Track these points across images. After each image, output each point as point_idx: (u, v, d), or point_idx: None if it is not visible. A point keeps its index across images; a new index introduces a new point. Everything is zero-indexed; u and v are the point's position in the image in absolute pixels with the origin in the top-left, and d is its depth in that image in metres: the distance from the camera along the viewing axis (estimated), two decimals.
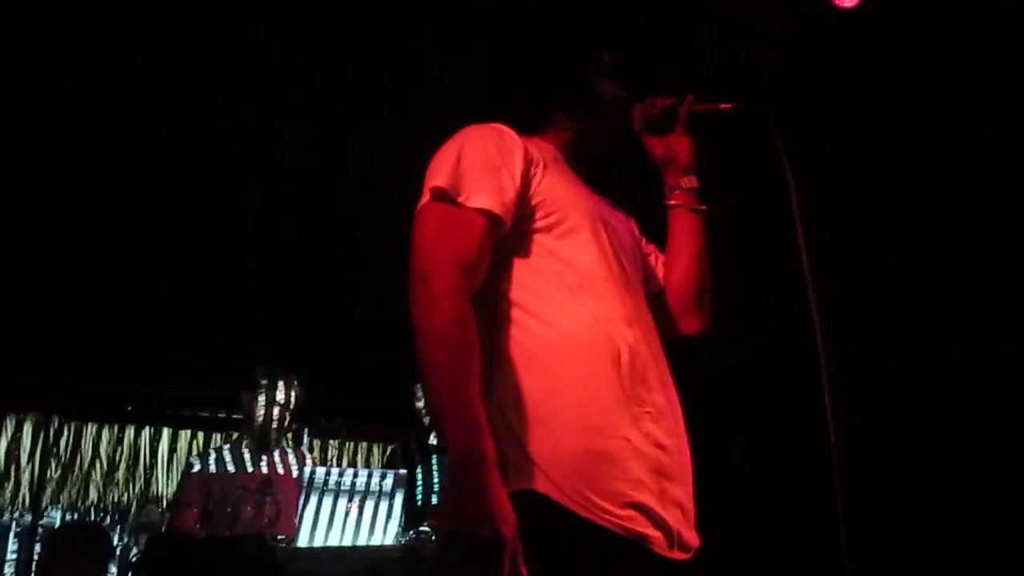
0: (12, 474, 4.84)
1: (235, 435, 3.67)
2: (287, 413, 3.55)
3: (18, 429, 4.93)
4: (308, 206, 4.58)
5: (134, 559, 3.84)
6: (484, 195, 1.33)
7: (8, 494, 4.78)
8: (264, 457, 3.49)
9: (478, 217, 1.32)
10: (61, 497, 4.75)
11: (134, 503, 5.04)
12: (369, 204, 4.59)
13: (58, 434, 4.87)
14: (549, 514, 1.19)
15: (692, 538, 1.33)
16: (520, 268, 1.37)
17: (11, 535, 4.85)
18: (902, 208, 3.52)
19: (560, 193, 1.44)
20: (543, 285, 1.35)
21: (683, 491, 1.33)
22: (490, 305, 1.34)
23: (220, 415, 4.43)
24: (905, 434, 3.59)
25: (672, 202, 1.64)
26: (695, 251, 1.62)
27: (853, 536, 1.31)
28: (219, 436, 5.24)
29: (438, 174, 1.36)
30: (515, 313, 1.33)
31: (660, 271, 1.66)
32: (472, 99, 1.56)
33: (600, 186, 1.64)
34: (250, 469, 3.43)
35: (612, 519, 1.21)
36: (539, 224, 1.39)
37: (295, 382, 3.59)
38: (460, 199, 1.33)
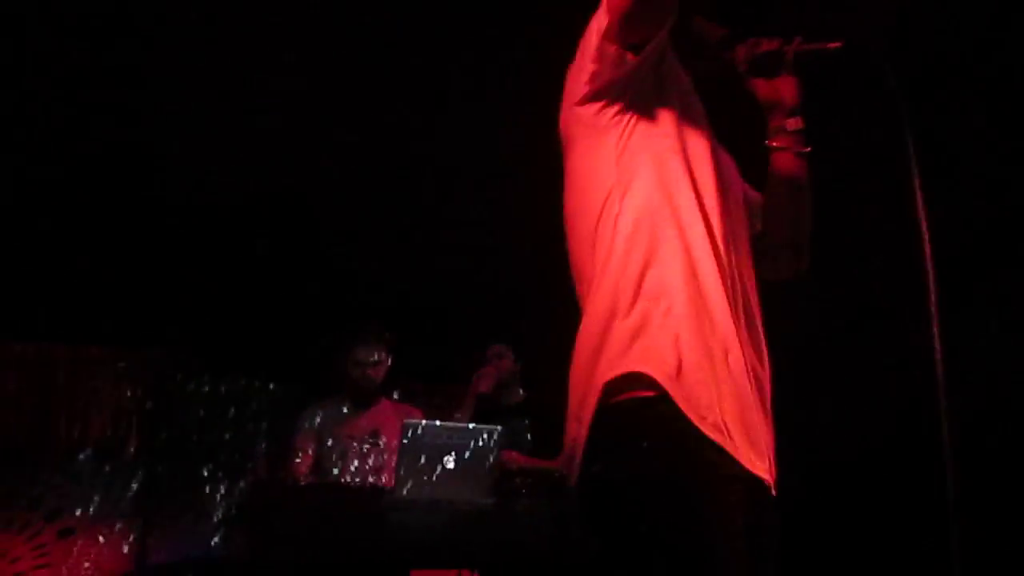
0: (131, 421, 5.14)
1: (338, 393, 3.80)
2: (383, 369, 3.64)
3: (137, 377, 5.22)
4: (405, 168, 4.69)
5: (238, 505, 4.03)
6: None
7: (120, 439, 5.08)
8: (367, 410, 3.60)
9: None
10: (169, 446, 4.99)
11: (240, 453, 5.27)
12: (464, 166, 4.68)
13: (165, 384, 5.13)
14: (655, 414, 1.27)
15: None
16: (641, 160, 1.42)
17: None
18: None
19: (687, 87, 1.51)
20: (662, 183, 1.40)
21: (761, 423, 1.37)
22: (610, 191, 1.41)
23: (322, 370, 4.58)
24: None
25: (776, 144, 1.60)
26: (798, 194, 1.60)
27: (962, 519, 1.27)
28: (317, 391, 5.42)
29: None
30: (632, 208, 1.39)
31: (759, 212, 1.64)
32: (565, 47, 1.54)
33: None
34: (355, 421, 3.55)
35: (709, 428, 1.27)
36: (665, 101, 1.46)
37: (389, 339, 3.66)
38: None
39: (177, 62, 3.98)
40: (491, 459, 2.86)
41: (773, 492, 1.36)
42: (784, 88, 1.58)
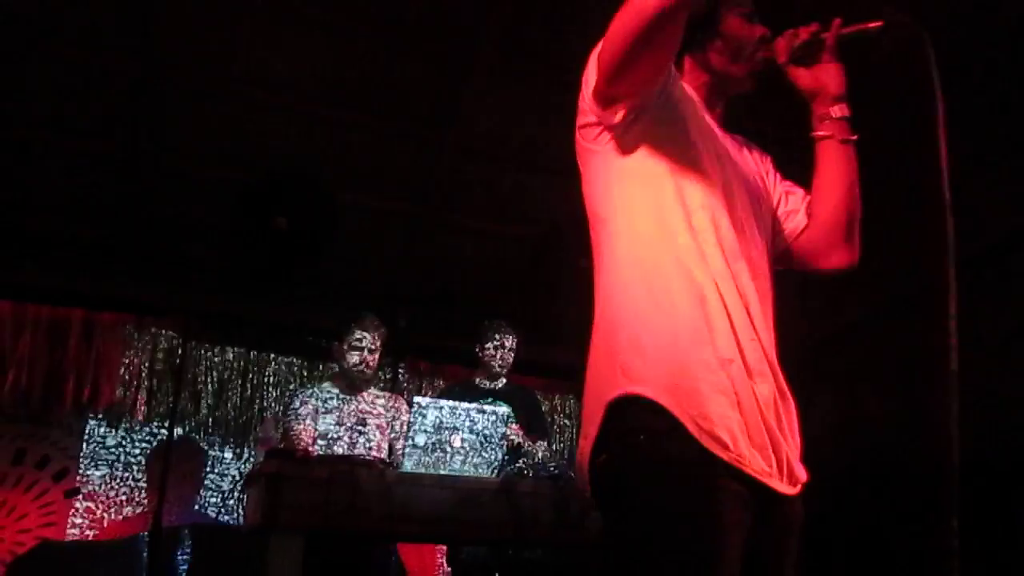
0: (140, 386, 5.21)
1: (330, 373, 3.84)
2: (376, 357, 3.69)
3: (150, 344, 5.29)
4: (419, 148, 4.73)
5: (251, 471, 4.09)
6: None
7: (130, 403, 5.16)
8: (356, 397, 3.66)
9: None
10: (178, 412, 5.06)
11: (247, 421, 5.35)
12: (480, 150, 4.72)
13: (176, 352, 5.20)
14: (655, 418, 1.31)
15: (797, 473, 1.40)
16: (637, 186, 1.44)
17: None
18: None
19: (690, 112, 1.50)
20: (657, 207, 1.43)
21: (779, 427, 1.39)
22: (610, 219, 1.46)
23: (326, 343, 4.65)
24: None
25: (822, 133, 1.56)
26: (846, 182, 1.55)
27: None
28: (321, 365, 5.49)
29: None
30: (630, 234, 1.44)
31: (802, 207, 1.62)
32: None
33: (734, 125, 1.62)
34: (344, 408, 3.61)
35: (706, 434, 1.30)
36: (662, 131, 1.45)
37: (382, 328, 3.70)
38: None
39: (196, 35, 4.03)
40: (497, 440, 2.93)
41: (792, 500, 1.38)
42: (827, 75, 1.53)
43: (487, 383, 3.97)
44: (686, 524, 1.26)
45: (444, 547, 5.11)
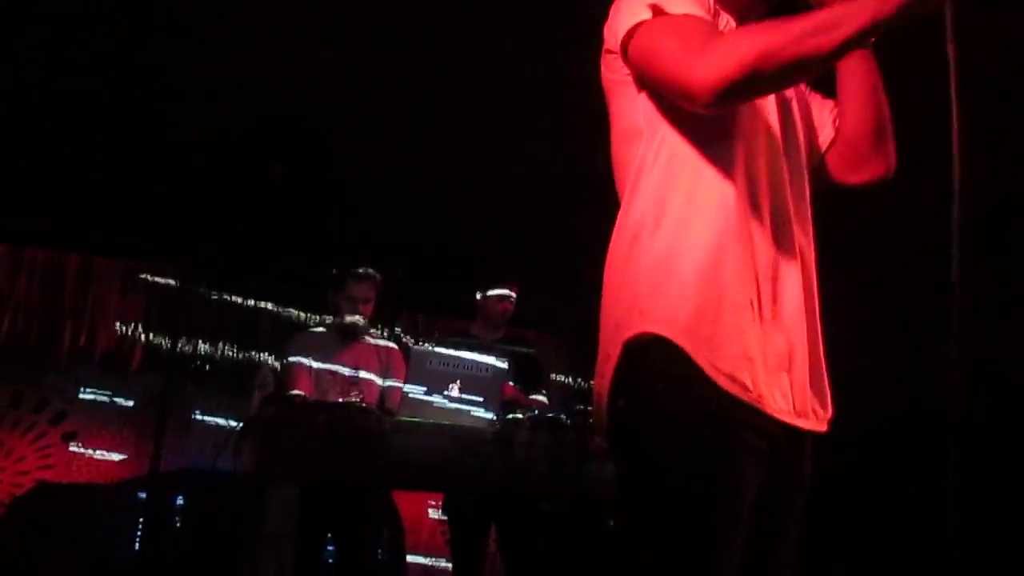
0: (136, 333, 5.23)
1: (326, 322, 3.86)
2: (370, 308, 3.69)
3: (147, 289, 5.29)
4: (417, 102, 4.68)
5: (247, 418, 4.14)
6: (692, 8, 1.35)
7: (127, 349, 5.18)
8: (350, 347, 3.67)
9: (698, 18, 1.34)
10: (174, 358, 5.08)
11: (244, 368, 5.37)
12: (478, 106, 4.67)
13: (173, 298, 5.21)
14: (674, 362, 1.28)
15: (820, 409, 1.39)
16: (674, 125, 1.38)
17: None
18: None
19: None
20: (694, 153, 1.37)
21: (806, 365, 1.38)
22: (642, 165, 1.40)
23: (322, 292, 4.66)
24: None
25: None
26: (868, 87, 1.50)
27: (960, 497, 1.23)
28: (316, 317, 5.50)
29: (638, 4, 1.36)
30: (664, 175, 1.38)
31: (829, 119, 1.57)
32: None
33: None
34: (338, 357, 3.63)
35: (723, 375, 1.28)
36: None
37: (378, 279, 3.70)
38: (669, 10, 1.33)
39: None
40: (495, 390, 2.95)
41: (814, 437, 1.38)
42: None
43: (486, 334, 3.95)
44: (700, 480, 1.26)
45: (432, 497, 5.20)
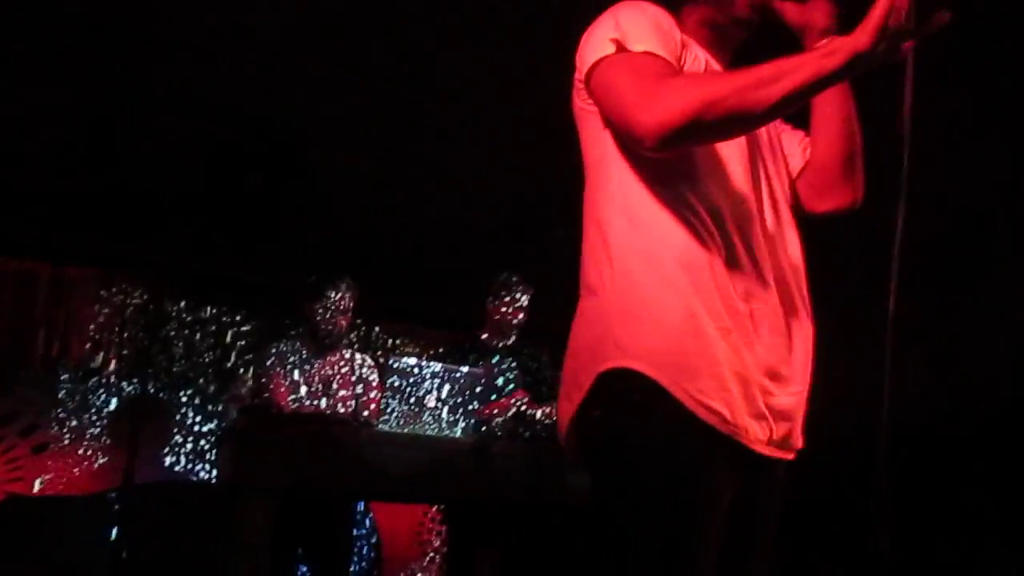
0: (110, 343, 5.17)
1: (301, 332, 3.84)
2: (347, 319, 3.67)
3: (120, 299, 5.24)
4: (393, 111, 4.69)
5: (223, 429, 4.11)
6: (654, 46, 1.34)
7: (100, 359, 5.12)
8: (324, 358, 3.66)
9: (657, 58, 1.33)
10: (149, 369, 5.04)
11: (218, 378, 5.33)
12: (453, 113, 4.69)
13: (147, 308, 5.17)
14: (646, 392, 1.29)
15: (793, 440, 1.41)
16: (639, 157, 1.37)
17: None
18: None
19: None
20: (658, 182, 1.37)
21: (787, 393, 1.39)
22: (610, 194, 1.41)
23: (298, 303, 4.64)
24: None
25: None
26: (842, 115, 1.50)
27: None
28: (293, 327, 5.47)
29: (603, 38, 1.36)
30: (631, 203, 1.38)
31: (799, 149, 1.58)
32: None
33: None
34: (312, 368, 3.61)
35: (702, 406, 1.29)
36: None
37: (353, 288, 3.67)
38: (630, 47, 1.34)
39: None
40: (474, 402, 2.95)
41: (785, 465, 1.41)
42: (815, 8, 1.48)
43: (496, 341, 3.83)
44: (675, 487, 1.27)
45: (425, 507, 5.13)
